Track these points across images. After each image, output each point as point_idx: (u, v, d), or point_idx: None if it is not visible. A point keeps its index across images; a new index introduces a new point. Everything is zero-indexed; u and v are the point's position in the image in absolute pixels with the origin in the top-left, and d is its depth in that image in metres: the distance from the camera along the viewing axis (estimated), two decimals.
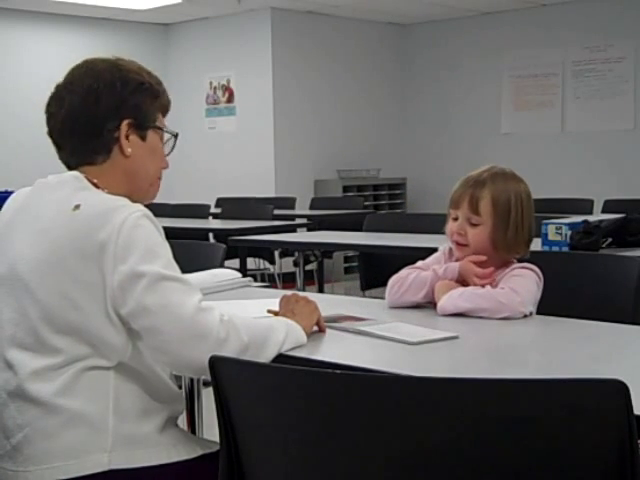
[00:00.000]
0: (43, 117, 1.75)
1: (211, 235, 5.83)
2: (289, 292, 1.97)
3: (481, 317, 1.99)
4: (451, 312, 2.02)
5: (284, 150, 8.53)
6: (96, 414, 1.59)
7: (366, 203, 7.91)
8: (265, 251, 6.30)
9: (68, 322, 1.58)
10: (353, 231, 4.59)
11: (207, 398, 1.79)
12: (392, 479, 1.14)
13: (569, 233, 3.24)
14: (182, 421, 1.99)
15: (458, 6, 8.43)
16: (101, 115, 1.70)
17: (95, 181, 1.69)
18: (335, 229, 5.28)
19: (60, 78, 1.75)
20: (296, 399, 1.19)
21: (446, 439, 1.09)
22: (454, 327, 1.89)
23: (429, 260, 2.23)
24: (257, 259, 6.75)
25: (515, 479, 1.10)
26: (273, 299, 1.97)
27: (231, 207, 6.70)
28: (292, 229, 5.53)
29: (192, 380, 2.37)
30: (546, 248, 3.24)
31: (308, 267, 5.31)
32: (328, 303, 2.09)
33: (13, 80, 8.13)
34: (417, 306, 2.15)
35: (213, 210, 6.87)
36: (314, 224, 6.02)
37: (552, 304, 2.07)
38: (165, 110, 1.83)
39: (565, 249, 3.21)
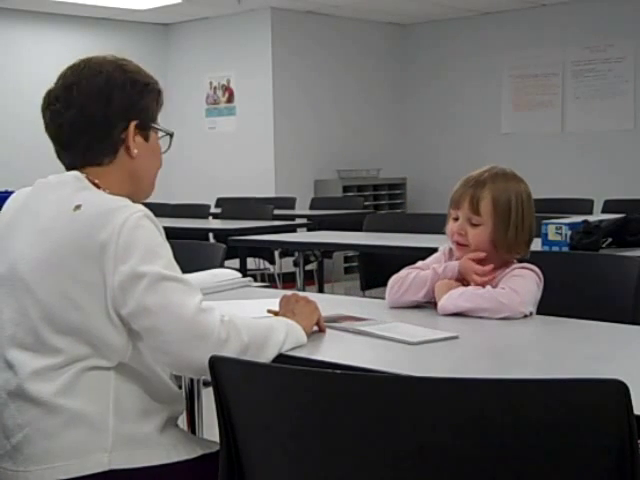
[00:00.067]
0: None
1: (211, 235, 5.83)
2: (289, 292, 1.97)
3: (481, 317, 1.99)
4: (451, 312, 2.02)
5: (284, 150, 8.53)
6: (96, 414, 1.59)
7: (366, 203, 7.91)
8: (265, 251, 6.30)
9: (68, 322, 1.58)
10: (353, 231, 4.59)
11: (207, 398, 1.79)
12: (392, 479, 1.14)
13: (569, 233, 3.24)
14: (182, 421, 1.99)
15: (458, 6, 8.43)
16: (112, 116, 1.70)
17: (96, 181, 1.69)
18: (335, 229, 5.28)
19: None
20: (296, 399, 1.20)
21: (446, 439, 1.09)
22: (454, 327, 1.89)
23: (429, 260, 2.23)
24: (257, 259, 6.75)
25: (515, 479, 1.10)
26: (273, 299, 1.97)
27: (231, 207, 6.70)
28: (292, 229, 5.53)
29: (192, 380, 2.37)
30: (546, 248, 3.24)
31: (308, 267, 5.31)
32: (328, 303, 2.09)
33: (13, 80, 8.13)
34: (417, 306, 2.15)
35: (213, 210, 6.87)
36: (314, 224, 6.02)
37: (552, 304, 2.07)
38: (160, 109, 1.84)
39: (565, 249, 3.21)
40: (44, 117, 1.73)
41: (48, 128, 1.73)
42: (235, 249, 4.61)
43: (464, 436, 1.09)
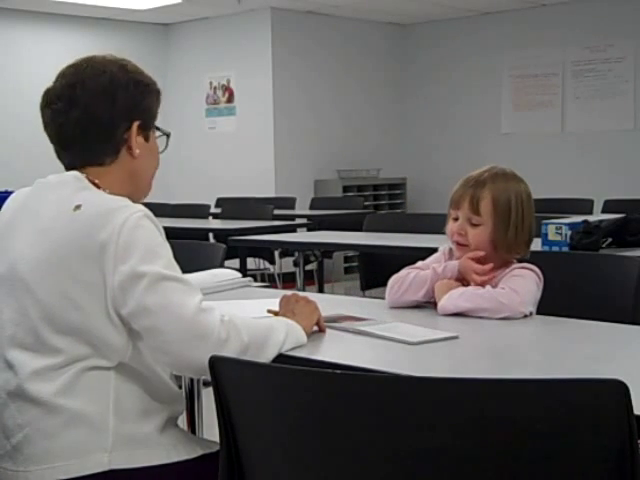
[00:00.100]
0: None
1: (211, 235, 5.83)
2: (289, 292, 1.97)
3: (481, 317, 1.99)
4: (451, 312, 2.02)
5: (284, 150, 8.53)
6: (96, 414, 1.59)
7: (366, 203, 7.91)
8: (265, 251, 6.30)
9: (68, 322, 1.58)
10: (353, 231, 4.59)
11: (207, 398, 1.79)
12: (392, 479, 1.14)
13: (569, 233, 3.24)
14: (182, 421, 1.99)
15: (458, 6, 8.43)
16: (116, 116, 1.70)
17: (96, 181, 1.69)
18: (335, 229, 5.28)
19: None
20: (296, 399, 1.19)
21: (446, 439, 1.09)
22: (454, 327, 1.89)
23: (429, 260, 2.23)
24: (257, 259, 6.75)
25: (515, 479, 1.10)
26: (273, 299, 1.97)
27: (231, 207, 6.70)
28: (292, 229, 5.53)
29: (192, 380, 2.37)
30: (546, 248, 3.24)
31: (308, 267, 5.31)
32: (328, 303, 2.09)
33: (13, 80, 8.13)
34: (417, 306, 2.15)
35: (213, 210, 6.87)
36: (314, 224, 6.02)
37: (552, 304, 2.07)
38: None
39: (565, 249, 3.21)
40: (43, 116, 1.72)
41: (48, 127, 1.72)
42: (235, 249, 4.62)
43: (464, 436, 1.09)
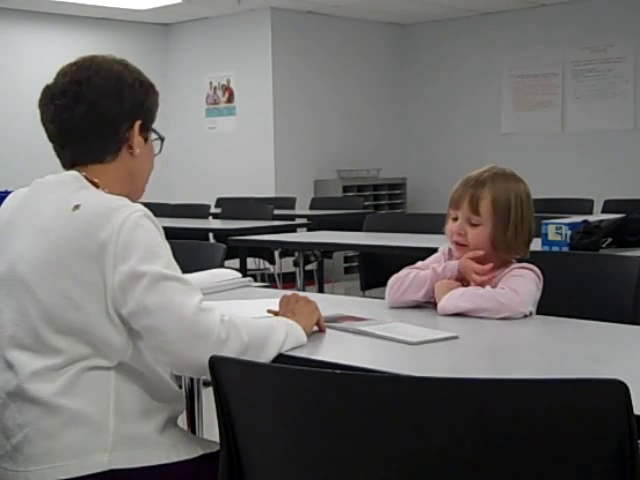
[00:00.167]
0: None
1: (211, 235, 5.83)
2: (289, 292, 1.97)
3: (481, 317, 1.99)
4: (451, 312, 2.02)
5: (284, 150, 8.53)
6: (97, 414, 1.59)
7: (366, 203, 7.91)
8: (265, 251, 6.29)
9: (68, 322, 1.57)
10: (353, 231, 4.59)
11: (207, 398, 1.79)
12: (392, 479, 1.14)
13: (569, 233, 3.24)
14: (182, 421, 1.99)
15: (458, 6, 8.43)
16: (121, 114, 1.71)
17: (95, 180, 1.69)
18: (335, 229, 5.28)
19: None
20: (296, 399, 1.19)
21: (446, 439, 1.09)
22: (454, 327, 1.89)
23: (429, 260, 2.23)
24: (257, 259, 6.75)
25: (515, 479, 1.10)
26: (273, 299, 1.97)
27: (231, 207, 6.70)
28: (292, 229, 5.53)
29: (192, 380, 2.37)
30: (546, 248, 3.24)
31: (308, 267, 5.30)
32: (328, 303, 2.09)
33: (13, 80, 8.13)
34: (417, 306, 2.15)
35: (213, 210, 6.87)
36: (314, 224, 6.02)
37: (552, 304, 2.07)
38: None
39: (565, 249, 3.21)
40: (45, 112, 1.71)
41: (51, 122, 1.71)
42: (235, 249, 4.61)
43: (464, 436, 1.09)
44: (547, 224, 3.29)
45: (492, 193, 2.08)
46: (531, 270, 2.08)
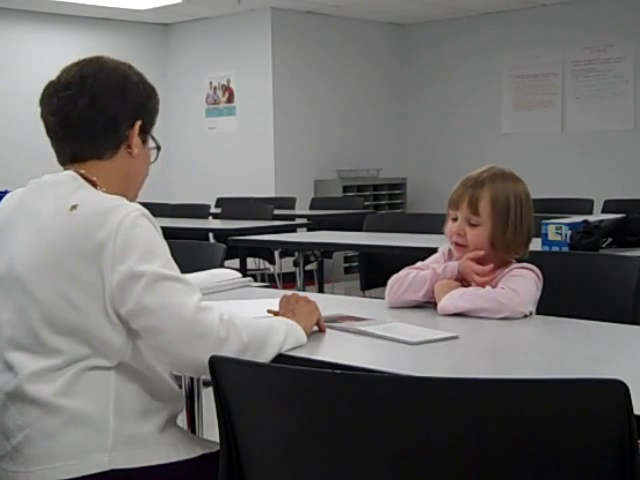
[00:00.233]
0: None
1: (211, 235, 5.83)
2: (289, 292, 1.97)
3: (481, 317, 1.99)
4: (451, 312, 2.02)
5: (284, 150, 8.53)
6: (96, 414, 1.59)
7: (366, 203, 7.91)
8: (265, 251, 6.30)
9: (67, 322, 1.57)
10: (353, 231, 4.59)
11: (207, 398, 1.79)
12: (392, 479, 1.14)
13: (569, 233, 3.24)
14: (182, 421, 1.99)
15: (458, 6, 8.43)
16: (123, 112, 1.71)
17: (93, 179, 1.69)
18: (335, 229, 5.28)
19: None
20: (296, 399, 1.19)
21: (446, 439, 1.09)
22: (454, 327, 1.89)
23: (428, 261, 2.23)
24: (257, 259, 6.75)
25: (515, 479, 1.10)
26: (273, 299, 1.97)
27: (231, 207, 6.70)
28: (292, 229, 5.53)
29: (192, 380, 2.37)
30: (546, 248, 3.24)
31: (308, 267, 5.31)
32: (328, 303, 2.09)
33: (13, 80, 8.13)
34: (417, 306, 2.15)
35: (213, 210, 6.87)
36: (314, 224, 6.02)
37: (552, 304, 2.07)
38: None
39: (565, 249, 3.21)
40: (47, 105, 1.71)
41: (52, 115, 1.70)
42: (235, 249, 4.61)
43: (464, 436, 1.09)
44: (547, 224, 3.29)
45: (491, 193, 2.08)
46: (531, 270, 2.08)
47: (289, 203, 7.21)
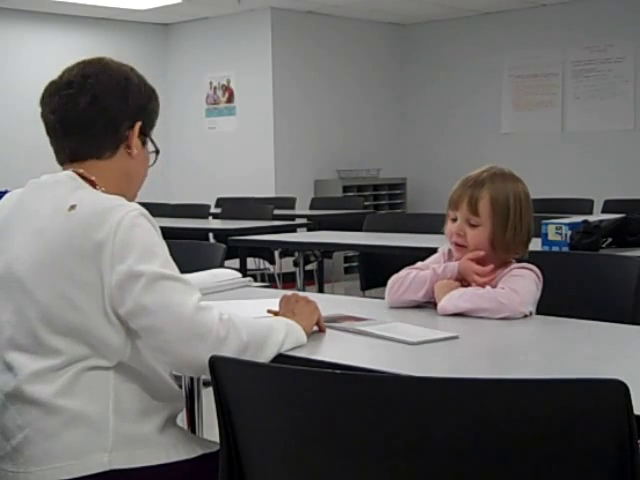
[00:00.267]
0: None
1: (211, 235, 5.83)
2: (289, 292, 1.97)
3: (481, 317, 1.99)
4: (452, 312, 2.02)
5: (284, 150, 8.53)
6: (96, 414, 1.59)
7: (366, 203, 7.91)
8: (265, 251, 6.30)
9: (67, 322, 1.57)
10: (353, 231, 4.59)
11: (207, 398, 1.79)
12: (392, 479, 1.14)
13: (569, 233, 3.24)
14: (182, 421, 1.99)
15: (458, 6, 8.43)
16: (124, 112, 1.71)
17: (92, 178, 1.69)
18: (335, 229, 5.28)
19: None
20: (296, 399, 1.19)
21: (446, 439, 1.09)
22: (454, 327, 1.89)
23: (428, 261, 2.23)
24: (257, 259, 6.75)
25: (515, 479, 1.10)
26: (273, 299, 1.97)
27: (231, 207, 6.70)
28: (292, 229, 5.53)
29: (192, 380, 2.37)
30: (546, 248, 3.24)
31: (308, 267, 5.31)
32: (328, 303, 2.09)
33: (13, 80, 8.13)
34: (417, 306, 2.15)
35: (213, 210, 6.87)
36: (314, 224, 6.02)
37: (552, 304, 2.07)
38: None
39: (565, 249, 3.21)
40: (49, 104, 1.71)
41: (53, 113, 1.70)
42: (235, 249, 4.61)
43: (464, 436, 1.09)
44: (547, 224, 3.29)
45: (491, 193, 2.08)
46: (531, 270, 2.08)
47: (289, 203, 7.21)
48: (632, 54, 7.94)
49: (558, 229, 3.26)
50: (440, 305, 2.05)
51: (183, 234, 4.86)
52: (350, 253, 8.15)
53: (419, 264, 2.22)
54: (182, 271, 1.63)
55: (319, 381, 1.17)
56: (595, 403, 1.06)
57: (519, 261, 2.12)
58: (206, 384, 1.90)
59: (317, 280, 5.79)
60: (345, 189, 8.69)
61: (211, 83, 8.97)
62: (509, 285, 2.02)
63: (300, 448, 1.21)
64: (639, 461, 1.06)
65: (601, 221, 3.35)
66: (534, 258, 2.15)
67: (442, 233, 2.20)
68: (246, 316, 1.69)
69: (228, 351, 1.54)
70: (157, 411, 1.67)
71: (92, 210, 1.59)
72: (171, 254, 1.62)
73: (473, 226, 2.09)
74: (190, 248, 2.94)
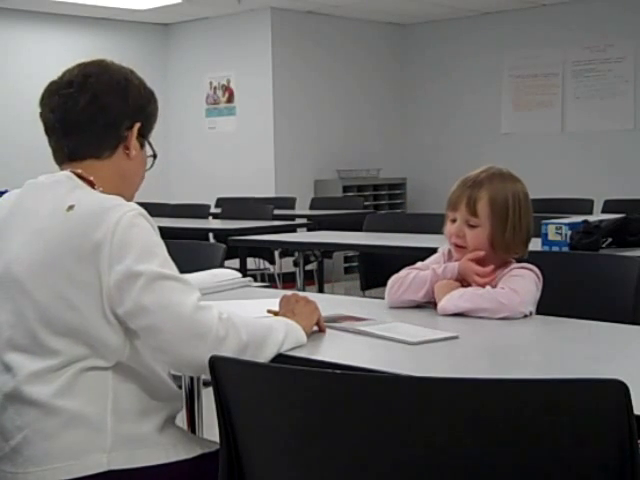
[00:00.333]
0: None
1: (211, 235, 5.83)
2: (289, 292, 1.97)
3: (481, 317, 1.99)
4: (452, 312, 2.02)
5: (284, 150, 8.53)
6: (95, 414, 1.59)
7: (366, 203, 7.91)
8: (265, 251, 6.30)
9: (65, 323, 1.57)
10: (353, 231, 4.59)
11: (207, 398, 1.79)
12: (392, 479, 1.14)
13: (569, 233, 3.24)
14: (182, 421, 1.99)
15: (458, 6, 8.43)
16: (123, 112, 1.72)
17: (91, 178, 1.69)
18: (335, 229, 5.28)
19: None
20: (296, 399, 1.19)
21: (446, 439, 1.09)
22: (454, 327, 1.89)
23: (428, 261, 2.23)
24: (257, 259, 6.75)
25: (515, 479, 1.10)
26: (273, 299, 1.97)
27: (231, 207, 6.70)
28: (292, 229, 5.53)
29: (192, 380, 2.36)
30: (546, 248, 3.24)
31: (308, 267, 5.30)
32: (328, 303, 2.09)
33: (13, 80, 8.13)
34: (417, 306, 2.15)
35: (213, 210, 6.87)
36: (314, 224, 6.02)
37: (552, 304, 2.07)
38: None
39: (565, 249, 3.21)
40: (49, 103, 1.71)
41: (52, 112, 1.70)
42: (235, 249, 4.61)
43: (464, 436, 1.09)
44: (547, 224, 3.29)
45: (489, 194, 2.08)
46: (531, 270, 2.08)
47: (289, 203, 7.21)
48: (632, 54, 7.94)
49: (558, 229, 3.26)
50: (440, 305, 2.05)
51: (183, 234, 4.86)
52: (350, 253, 8.15)
53: (419, 264, 2.22)
54: (182, 271, 1.63)
55: (319, 381, 1.17)
56: (595, 403, 1.06)
57: (519, 261, 2.12)
58: (206, 384, 1.90)
59: (317, 280, 5.79)
60: (345, 189, 8.69)
61: (211, 83, 8.97)
62: (509, 285, 2.02)
63: (300, 448, 1.21)
64: (639, 461, 1.06)
65: (601, 221, 3.35)
66: (534, 258, 2.15)
67: (442, 233, 2.20)
68: (246, 316, 1.69)
69: (228, 351, 1.54)
70: (156, 411, 1.67)
71: (90, 210, 1.59)
72: (171, 254, 1.62)
73: (472, 227, 2.09)
74: (190, 248, 2.94)
